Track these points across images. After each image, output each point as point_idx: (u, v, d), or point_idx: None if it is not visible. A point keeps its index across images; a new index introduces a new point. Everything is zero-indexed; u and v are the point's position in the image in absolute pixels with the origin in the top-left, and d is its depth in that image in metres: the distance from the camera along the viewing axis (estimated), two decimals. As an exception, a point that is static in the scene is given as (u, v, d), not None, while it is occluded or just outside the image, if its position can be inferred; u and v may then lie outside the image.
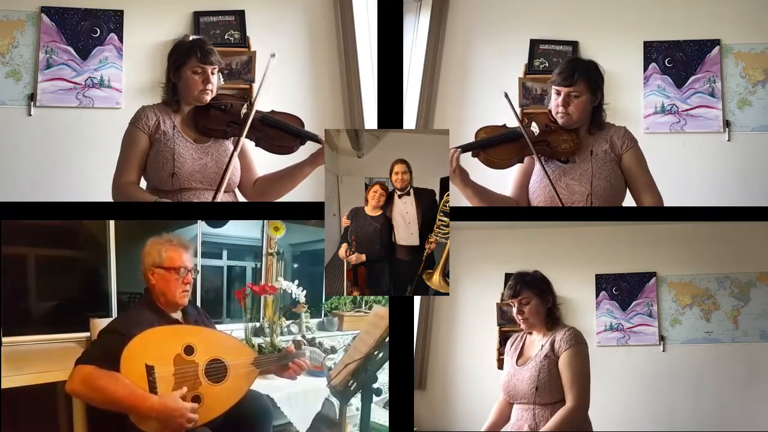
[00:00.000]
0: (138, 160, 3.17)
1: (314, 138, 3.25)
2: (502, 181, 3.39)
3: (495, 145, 3.19)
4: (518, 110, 3.40)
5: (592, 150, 3.18)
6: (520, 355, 3.19)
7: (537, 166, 3.24)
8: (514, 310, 3.17)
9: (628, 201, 3.28)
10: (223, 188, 3.14)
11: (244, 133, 3.19)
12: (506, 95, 3.22)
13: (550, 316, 3.15)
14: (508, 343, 3.31)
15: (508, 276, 4.23)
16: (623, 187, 3.23)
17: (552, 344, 3.07)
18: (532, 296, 3.13)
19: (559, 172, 3.18)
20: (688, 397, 4.12)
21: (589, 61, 3.25)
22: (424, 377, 4.40)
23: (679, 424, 4.10)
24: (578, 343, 3.07)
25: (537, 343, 3.16)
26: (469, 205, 3.23)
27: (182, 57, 3.20)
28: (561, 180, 3.18)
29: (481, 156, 3.20)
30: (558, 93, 3.15)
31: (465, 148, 3.16)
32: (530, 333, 3.21)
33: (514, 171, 3.33)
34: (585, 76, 3.13)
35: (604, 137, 3.21)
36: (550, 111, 3.22)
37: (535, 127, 3.18)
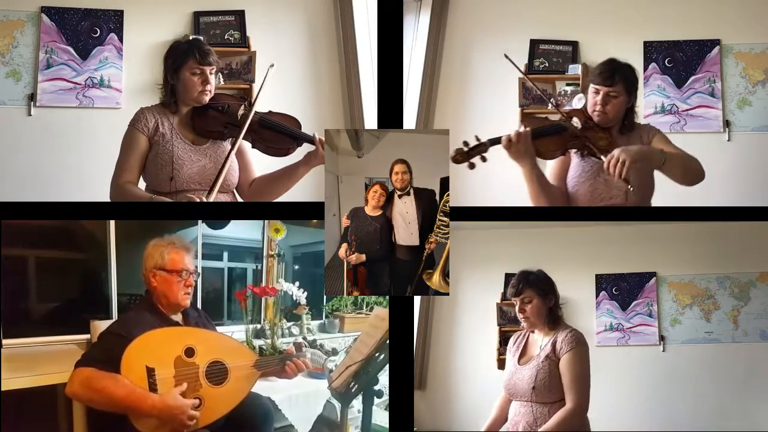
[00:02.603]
0: (137, 161, 3.16)
1: (310, 140, 3.24)
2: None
3: (544, 136, 3.20)
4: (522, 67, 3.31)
5: None
6: (523, 353, 3.20)
7: (575, 161, 3.28)
8: (516, 308, 3.19)
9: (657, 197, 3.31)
10: (217, 188, 3.13)
11: (241, 136, 3.18)
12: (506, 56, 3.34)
13: (552, 316, 3.16)
14: (511, 340, 3.31)
15: (508, 276, 4.24)
16: (653, 183, 3.24)
17: (553, 345, 3.08)
18: (533, 295, 3.14)
19: (597, 169, 3.20)
20: (687, 397, 4.12)
21: (626, 64, 3.27)
22: (424, 377, 4.40)
23: (678, 424, 4.10)
24: (579, 345, 3.06)
25: (539, 342, 3.17)
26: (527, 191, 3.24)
27: (180, 58, 3.17)
28: (599, 176, 3.20)
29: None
30: (596, 92, 3.18)
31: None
32: (532, 331, 3.23)
33: (552, 162, 3.35)
34: (624, 78, 3.17)
35: (636, 136, 3.25)
36: (585, 109, 3.26)
37: (576, 122, 3.22)
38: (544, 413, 3.03)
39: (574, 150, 3.25)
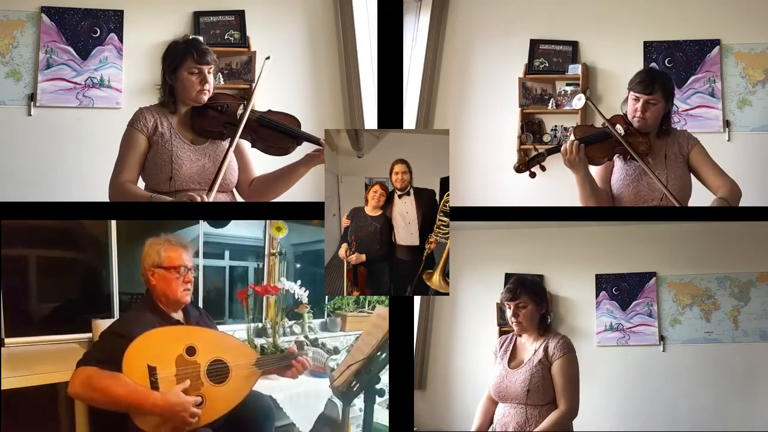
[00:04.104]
0: (136, 160, 3.15)
1: (310, 139, 3.24)
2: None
3: (593, 143, 3.32)
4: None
5: (665, 154, 3.33)
6: (512, 357, 3.27)
7: (618, 165, 3.39)
8: (509, 312, 3.24)
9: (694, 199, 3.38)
10: (216, 186, 3.12)
11: (238, 135, 3.17)
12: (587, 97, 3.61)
13: (543, 322, 3.25)
14: (497, 344, 3.38)
15: (508, 276, 4.24)
16: (691, 185, 3.36)
17: (545, 350, 3.16)
18: (529, 301, 3.21)
19: (640, 172, 3.32)
20: (688, 397, 4.12)
21: (663, 73, 3.44)
22: (424, 377, 4.40)
23: (678, 424, 4.10)
24: (570, 351, 3.16)
25: (529, 347, 3.24)
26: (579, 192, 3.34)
27: (178, 58, 3.15)
28: (642, 179, 3.32)
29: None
30: (636, 99, 3.30)
31: (581, 141, 3.29)
32: (520, 336, 3.30)
33: (597, 166, 3.44)
34: (662, 86, 3.29)
35: (672, 140, 3.37)
36: (625, 115, 3.36)
37: (619, 129, 3.33)
38: (535, 415, 3.11)
39: (617, 154, 3.36)
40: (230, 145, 3.17)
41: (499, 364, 3.27)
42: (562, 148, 3.26)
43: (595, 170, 3.40)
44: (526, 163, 3.27)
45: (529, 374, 3.12)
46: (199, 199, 3.07)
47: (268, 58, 3.31)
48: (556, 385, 3.11)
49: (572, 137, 3.32)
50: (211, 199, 3.10)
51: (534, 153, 3.30)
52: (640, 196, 3.30)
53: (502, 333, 4.31)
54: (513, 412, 3.15)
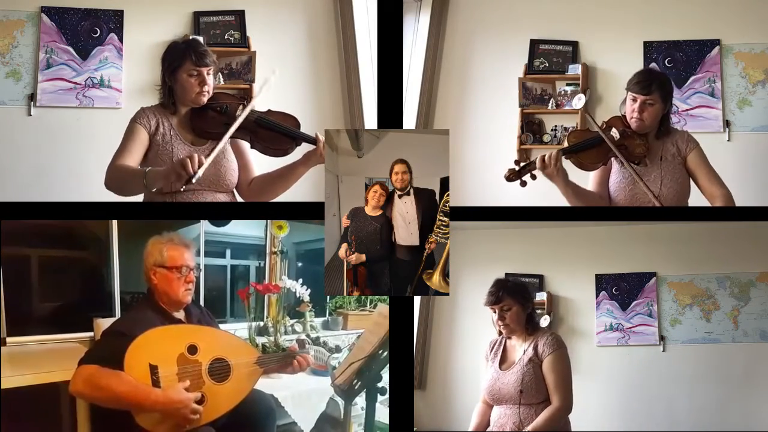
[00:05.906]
0: (136, 149, 3.08)
1: (309, 139, 3.23)
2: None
3: (586, 149, 3.32)
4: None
5: (661, 156, 3.32)
6: (503, 359, 3.27)
7: (615, 167, 3.38)
8: (495, 316, 3.24)
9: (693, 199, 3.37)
10: (198, 176, 2.95)
11: (230, 133, 3.12)
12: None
13: (530, 321, 3.24)
14: (487, 347, 3.38)
15: (508, 276, 4.24)
16: (689, 186, 3.35)
17: (535, 349, 3.16)
18: (513, 303, 3.20)
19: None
20: (688, 397, 4.12)
21: (662, 74, 3.44)
22: (424, 377, 4.40)
23: (678, 424, 4.10)
24: (560, 348, 3.16)
25: (518, 347, 3.24)
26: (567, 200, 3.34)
27: (177, 60, 3.13)
28: (638, 182, 3.30)
29: (573, 158, 3.32)
30: (634, 100, 3.29)
31: (565, 151, 3.28)
32: (509, 338, 3.29)
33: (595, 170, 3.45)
34: (660, 86, 3.27)
35: (670, 141, 3.35)
36: (624, 116, 3.35)
37: (615, 133, 3.32)
38: (530, 414, 3.11)
39: (614, 157, 3.36)
40: (218, 144, 3.10)
41: (491, 367, 3.27)
42: (539, 161, 3.24)
43: (592, 173, 3.41)
44: (517, 173, 3.25)
45: (521, 374, 3.13)
46: (196, 161, 2.96)
47: (274, 72, 3.29)
48: (548, 382, 3.11)
49: (565, 143, 3.33)
50: (204, 167, 3.01)
51: (525, 162, 3.28)
52: (636, 198, 3.29)
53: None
54: (508, 413, 3.15)
